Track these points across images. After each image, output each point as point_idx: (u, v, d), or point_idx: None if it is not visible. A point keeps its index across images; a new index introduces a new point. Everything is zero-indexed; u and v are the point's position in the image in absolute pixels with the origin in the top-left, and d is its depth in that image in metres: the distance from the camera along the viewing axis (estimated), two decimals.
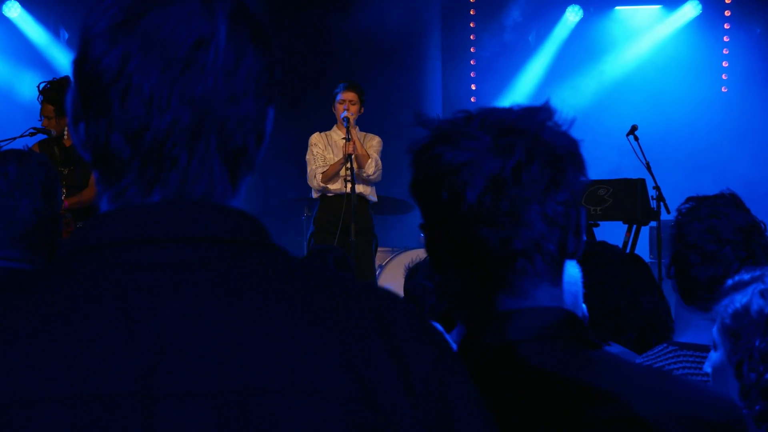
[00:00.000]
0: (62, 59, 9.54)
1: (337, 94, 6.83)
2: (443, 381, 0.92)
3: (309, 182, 6.94)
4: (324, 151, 6.90)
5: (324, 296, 0.92)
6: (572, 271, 1.86)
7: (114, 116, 0.93)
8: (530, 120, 1.21)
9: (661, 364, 2.23)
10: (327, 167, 6.82)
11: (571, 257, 1.23)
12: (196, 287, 0.89)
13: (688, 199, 2.32)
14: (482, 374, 1.12)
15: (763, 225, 2.26)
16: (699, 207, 2.26)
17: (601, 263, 2.75)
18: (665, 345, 2.28)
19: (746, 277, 1.78)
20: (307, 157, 6.93)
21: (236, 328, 0.88)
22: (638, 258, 3.01)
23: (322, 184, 6.83)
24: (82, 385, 0.85)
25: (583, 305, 1.95)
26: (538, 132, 1.20)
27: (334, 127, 7.01)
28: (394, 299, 0.96)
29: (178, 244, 0.91)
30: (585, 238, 1.25)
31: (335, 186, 6.84)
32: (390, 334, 0.91)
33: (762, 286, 1.73)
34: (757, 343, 1.68)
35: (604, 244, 2.92)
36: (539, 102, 1.25)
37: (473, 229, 1.19)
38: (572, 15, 10.37)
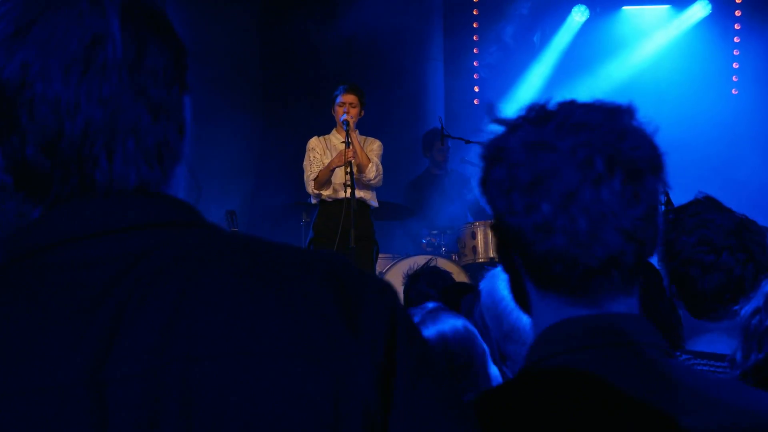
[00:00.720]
0: None
1: (336, 96, 6.82)
2: (393, 329, 0.95)
3: (306, 188, 6.95)
4: (322, 155, 6.90)
5: (265, 262, 0.95)
6: None
7: (25, 129, 0.94)
8: (611, 126, 1.19)
9: None
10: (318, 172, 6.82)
11: (650, 256, 1.23)
12: (139, 275, 0.92)
13: (667, 211, 2.31)
14: (555, 380, 1.14)
15: (745, 218, 2.25)
16: (682, 219, 2.25)
17: None
18: (678, 354, 2.27)
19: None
20: (304, 163, 6.93)
21: (181, 304, 0.90)
22: (647, 264, 3.00)
23: (315, 191, 6.85)
24: (30, 379, 0.87)
25: None
26: (619, 142, 1.18)
27: (333, 131, 7.01)
28: (341, 260, 0.98)
29: (117, 235, 0.93)
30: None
31: (329, 192, 6.83)
32: (343, 296, 0.93)
33: None
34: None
35: None
36: (622, 101, 1.23)
37: (548, 241, 1.18)
38: (578, 15, 10.38)
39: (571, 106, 1.22)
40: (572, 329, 1.20)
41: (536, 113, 1.23)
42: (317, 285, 0.94)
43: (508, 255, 1.25)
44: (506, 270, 1.27)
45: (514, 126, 1.23)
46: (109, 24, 0.95)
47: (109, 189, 0.96)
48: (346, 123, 6.66)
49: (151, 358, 0.88)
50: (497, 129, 1.24)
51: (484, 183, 1.24)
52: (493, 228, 1.26)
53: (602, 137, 1.18)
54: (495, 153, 1.22)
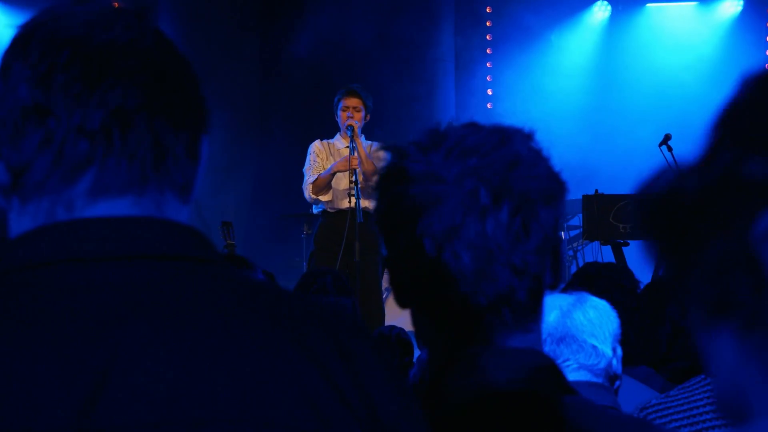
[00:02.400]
0: None
1: (339, 101, 6.78)
2: (403, 420, 0.98)
3: (303, 192, 6.85)
4: (326, 161, 6.83)
5: (279, 320, 0.96)
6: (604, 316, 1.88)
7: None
8: (503, 153, 1.17)
9: (698, 397, 2.22)
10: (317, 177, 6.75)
11: (551, 290, 1.22)
12: (141, 311, 0.92)
13: None
14: (451, 418, 1.13)
15: None
16: None
17: (608, 289, 2.75)
18: (702, 377, 2.27)
19: None
20: (305, 167, 6.87)
21: (185, 355, 0.91)
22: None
23: (313, 196, 6.76)
24: (12, 422, 0.87)
25: (618, 349, 1.97)
26: (509, 170, 1.16)
27: (338, 136, 6.95)
28: (353, 327, 1.00)
29: (119, 262, 0.94)
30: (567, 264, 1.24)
31: (327, 197, 6.76)
32: (353, 369, 0.95)
33: None
34: None
35: (611, 266, 2.90)
36: (517, 122, 1.22)
37: (434, 279, 1.17)
38: (600, 11, 10.39)
39: (465, 129, 1.21)
40: (466, 367, 1.19)
41: (428, 138, 1.22)
42: (335, 363, 0.95)
43: (400, 290, 1.25)
44: (400, 305, 1.27)
45: (402, 154, 1.22)
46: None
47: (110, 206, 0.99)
48: (351, 128, 6.63)
49: (150, 412, 0.88)
50: (388, 156, 1.24)
51: (374, 213, 1.25)
52: (386, 260, 1.26)
53: (491, 165, 1.16)
54: (379, 184, 1.24)
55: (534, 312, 1.21)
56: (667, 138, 7.32)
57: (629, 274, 3.38)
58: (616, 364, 2.12)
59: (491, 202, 1.15)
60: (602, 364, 2.09)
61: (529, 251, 1.16)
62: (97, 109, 0.97)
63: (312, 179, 6.75)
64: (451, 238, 1.15)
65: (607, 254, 7.58)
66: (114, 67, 0.99)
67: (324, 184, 6.74)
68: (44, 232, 0.97)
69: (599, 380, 2.10)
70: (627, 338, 2.66)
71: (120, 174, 0.98)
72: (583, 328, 2.08)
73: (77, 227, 0.96)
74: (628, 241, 7.14)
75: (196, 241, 1.00)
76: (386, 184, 1.23)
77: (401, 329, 4.07)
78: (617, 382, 2.14)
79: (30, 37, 1.00)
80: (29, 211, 0.99)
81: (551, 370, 1.21)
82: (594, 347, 2.09)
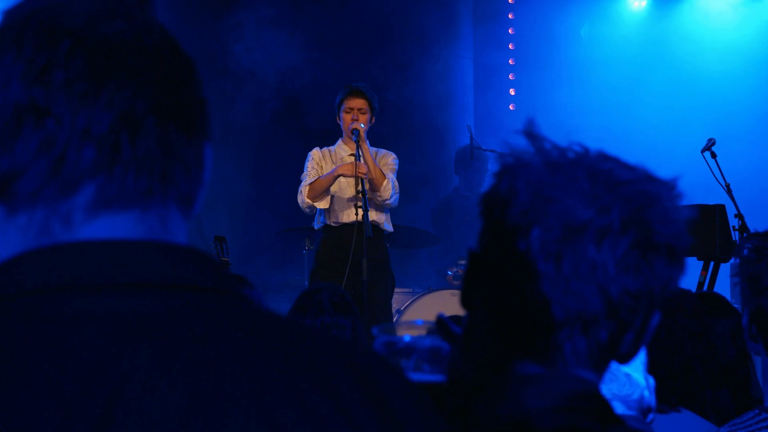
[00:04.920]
0: None
1: (341, 101, 6.71)
2: None
3: (298, 197, 6.77)
4: (327, 170, 6.75)
5: (297, 358, 0.96)
6: None
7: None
8: (648, 188, 1.23)
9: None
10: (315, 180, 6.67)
11: (621, 361, 1.26)
12: (146, 344, 0.92)
13: (747, 238, 2.31)
14: None
15: None
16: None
17: (668, 311, 2.73)
18: (756, 412, 2.27)
19: None
20: (302, 176, 6.81)
21: (191, 392, 0.90)
22: (716, 299, 2.98)
23: (308, 200, 6.66)
24: None
25: (650, 379, 1.96)
26: (648, 206, 1.22)
27: (339, 142, 6.90)
28: (385, 367, 1.00)
29: (123, 291, 0.93)
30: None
31: (322, 203, 6.69)
32: (385, 407, 0.96)
33: None
34: None
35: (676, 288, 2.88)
36: (582, 132, 1.28)
37: (522, 274, 1.21)
38: (636, 1, 10.39)
39: (612, 159, 1.27)
40: (512, 390, 1.23)
41: (563, 148, 1.27)
42: (361, 400, 0.96)
43: (473, 284, 1.29)
44: (465, 305, 1.31)
45: (541, 150, 1.27)
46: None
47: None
48: (356, 132, 6.57)
49: None
50: (525, 143, 1.28)
51: (485, 200, 1.28)
52: (470, 254, 1.29)
53: (632, 193, 1.22)
54: (508, 168, 1.26)
55: (604, 359, 1.25)
56: (710, 143, 7.30)
57: (689, 296, 3.35)
58: (649, 396, 2.12)
59: (619, 224, 1.20)
60: (636, 395, 2.08)
61: (629, 291, 1.21)
62: (105, 111, 0.96)
63: (309, 181, 6.68)
64: (564, 236, 1.20)
65: None
66: (121, 64, 0.97)
67: (323, 188, 6.66)
68: (40, 255, 0.95)
69: (632, 413, 2.10)
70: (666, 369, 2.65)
71: (126, 185, 0.97)
72: None
73: (78, 250, 0.95)
74: None
75: (205, 268, 0.99)
76: (519, 173, 1.25)
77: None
78: (650, 416, 2.14)
79: (24, 26, 0.98)
80: (19, 223, 0.98)
81: (596, 398, 1.23)
82: (628, 376, 2.08)
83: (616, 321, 1.22)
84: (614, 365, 2.05)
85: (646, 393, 2.12)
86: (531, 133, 1.27)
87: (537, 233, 1.20)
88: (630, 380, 2.08)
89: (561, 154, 1.25)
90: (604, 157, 1.26)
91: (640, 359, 2.10)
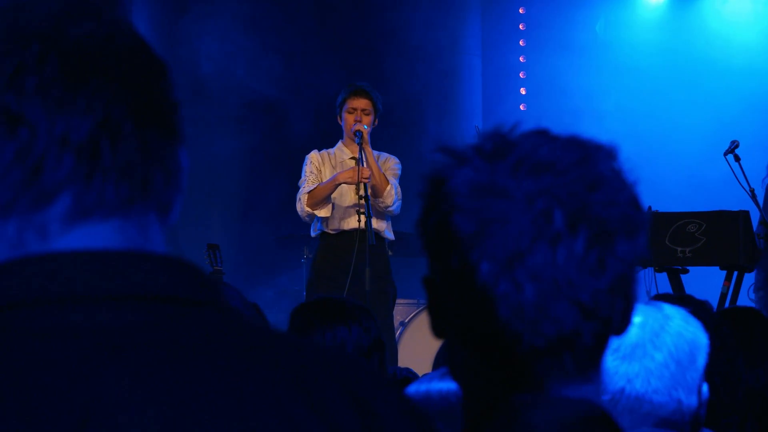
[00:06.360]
0: None
1: (343, 101, 6.67)
2: None
3: (297, 205, 6.77)
4: (326, 175, 6.75)
5: (283, 373, 0.96)
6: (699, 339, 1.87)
7: None
8: (582, 172, 1.17)
9: None
10: (315, 186, 6.66)
11: (618, 333, 1.22)
12: (121, 359, 0.92)
13: None
14: None
15: None
16: None
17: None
18: None
19: None
20: (300, 181, 6.80)
21: (169, 411, 0.91)
22: (747, 313, 2.97)
23: (307, 209, 6.64)
24: None
25: (704, 386, 1.93)
26: (589, 193, 1.16)
27: (340, 144, 6.87)
28: (375, 379, 1.00)
29: (101, 304, 0.94)
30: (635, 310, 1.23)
31: (323, 212, 6.67)
32: (376, 423, 0.96)
33: None
34: None
35: (691, 300, 2.87)
36: (599, 135, 1.22)
37: (486, 311, 1.17)
38: None
39: (538, 138, 1.21)
40: (509, 419, 1.20)
41: (493, 144, 1.21)
42: (334, 405, 0.96)
43: (440, 317, 1.25)
44: (437, 335, 1.27)
45: (461, 159, 1.21)
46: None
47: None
48: (359, 134, 6.53)
49: None
50: (443, 160, 1.23)
51: (419, 225, 1.24)
52: (425, 282, 1.25)
53: (569, 185, 1.16)
54: (434, 191, 1.21)
55: (597, 359, 1.22)
56: (734, 146, 7.29)
57: (706, 309, 3.33)
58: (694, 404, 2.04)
59: (566, 228, 1.15)
60: (671, 407, 2.01)
61: (602, 290, 1.17)
62: (83, 116, 0.95)
63: (308, 189, 6.66)
64: (513, 265, 1.15)
65: (662, 283, 7.55)
66: (97, 67, 0.97)
67: (323, 196, 6.64)
68: (10, 268, 0.95)
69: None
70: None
71: (106, 194, 0.97)
72: None
73: (50, 262, 0.95)
74: (688, 268, 7.10)
75: (186, 279, 0.99)
76: (438, 193, 1.21)
77: (408, 371, 4.02)
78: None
79: None
80: None
81: (607, 424, 1.21)
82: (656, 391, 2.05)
83: (597, 321, 1.18)
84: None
85: (685, 399, 1.96)
86: (449, 149, 1.22)
87: (486, 268, 1.15)
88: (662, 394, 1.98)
89: (486, 164, 1.19)
90: (533, 147, 1.19)
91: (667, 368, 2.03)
